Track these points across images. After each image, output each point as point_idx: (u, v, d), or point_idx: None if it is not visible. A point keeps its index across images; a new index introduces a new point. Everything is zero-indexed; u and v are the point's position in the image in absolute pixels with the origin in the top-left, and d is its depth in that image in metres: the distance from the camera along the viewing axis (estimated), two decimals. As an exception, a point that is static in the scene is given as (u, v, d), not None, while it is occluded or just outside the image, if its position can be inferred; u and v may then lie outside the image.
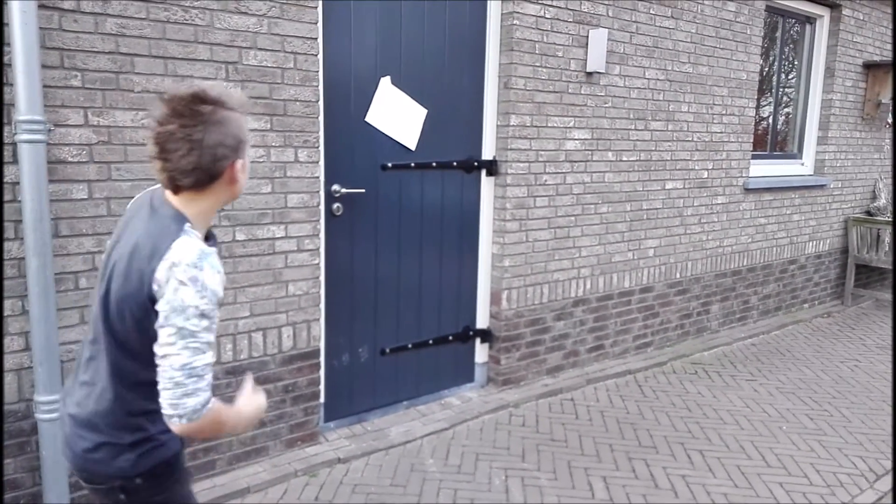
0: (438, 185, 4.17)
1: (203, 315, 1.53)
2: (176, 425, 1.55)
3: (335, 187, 3.73)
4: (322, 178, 3.64)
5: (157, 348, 1.53)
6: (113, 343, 1.63)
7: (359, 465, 3.62)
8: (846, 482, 3.65)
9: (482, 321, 4.53)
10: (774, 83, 6.56)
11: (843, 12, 6.57)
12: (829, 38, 6.67)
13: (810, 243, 6.91)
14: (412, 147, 4.00)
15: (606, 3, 4.60)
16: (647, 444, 3.98)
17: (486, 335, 4.53)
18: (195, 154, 1.54)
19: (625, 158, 4.96)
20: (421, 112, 3.98)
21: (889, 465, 3.84)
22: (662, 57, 5.07)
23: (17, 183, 2.65)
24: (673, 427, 4.22)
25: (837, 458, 3.90)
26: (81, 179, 2.84)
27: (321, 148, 3.60)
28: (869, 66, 7.01)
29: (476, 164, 4.30)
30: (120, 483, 1.68)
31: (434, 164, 4.12)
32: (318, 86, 3.45)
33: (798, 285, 6.88)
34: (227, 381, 3.32)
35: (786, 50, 6.65)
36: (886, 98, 6.97)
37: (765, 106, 6.52)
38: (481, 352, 4.57)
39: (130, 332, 1.59)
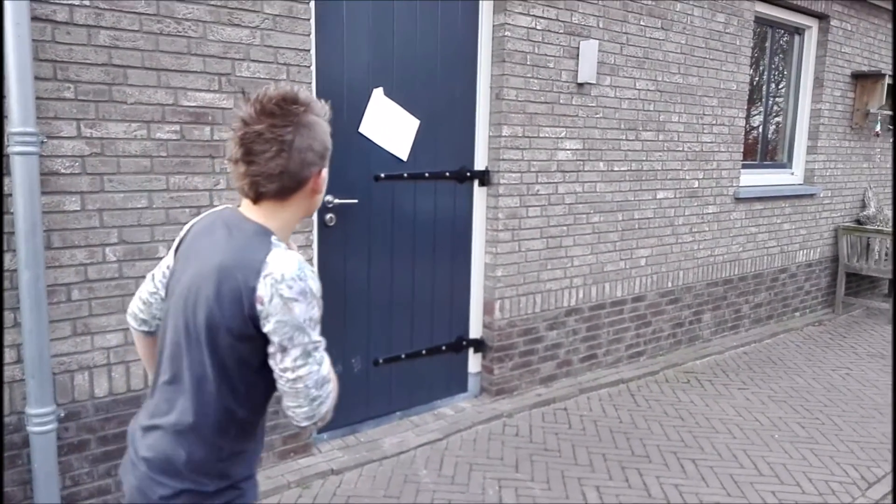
0: (431, 196, 4.18)
1: (317, 322, 1.49)
2: (307, 428, 1.54)
3: (328, 198, 3.73)
4: (315, 189, 3.64)
5: (283, 372, 1.46)
6: (206, 380, 1.49)
7: (352, 476, 3.61)
8: (838, 490, 3.66)
9: (475, 331, 4.53)
10: (764, 93, 6.62)
11: (832, 23, 6.63)
12: (817, 48, 6.73)
13: (801, 252, 6.95)
14: (404, 158, 4.01)
15: (597, 14, 4.64)
16: (640, 454, 3.98)
17: (479, 345, 4.53)
18: (284, 156, 1.45)
19: (616, 168, 4.99)
20: (413, 123, 4.00)
21: (880, 472, 3.86)
22: (653, 67, 5.11)
23: (10, 195, 2.65)
24: (666, 436, 4.22)
25: (829, 467, 3.92)
26: (74, 191, 2.84)
27: (314, 159, 3.60)
28: (857, 77, 7.07)
29: (468, 174, 4.32)
30: None
31: (427, 174, 4.13)
32: (310, 97, 3.46)
33: (789, 294, 6.92)
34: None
35: (775, 60, 6.71)
36: (875, 108, 7.04)
37: (755, 116, 6.57)
38: (474, 362, 4.57)
39: (227, 360, 1.48)
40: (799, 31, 6.68)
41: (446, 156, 4.23)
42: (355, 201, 3.84)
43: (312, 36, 3.50)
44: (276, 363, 1.46)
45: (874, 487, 3.70)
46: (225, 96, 3.16)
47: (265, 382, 1.52)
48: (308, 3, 3.39)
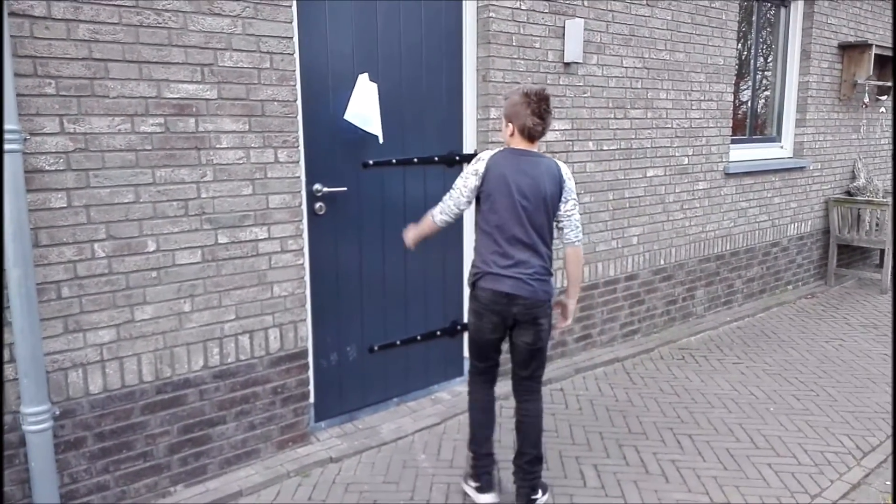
0: (420, 181, 4.17)
1: None
2: (579, 246, 3.12)
3: (317, 186, 3.71)
4: (303, 178, 3.63)
5: (569, 213, 3.05)
6: (546, 228, 3.01)
7: (351, 463, 3.62)
8: (834, 461, 3.69)
9: (469, 315, 4.52)
10: (752, 67, 6.61)
11: (817, -5, 6.62)
12: (803, 20, 6.71)
13: (792, 225, 6.97)
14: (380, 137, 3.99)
15: (582, -8, 4.61)
16: (636, 431, 4.01)
17: (473, 329, 4.52)
18: (550, 118, 3.00)
19: (605, 147, 4.98)
20: (371, 87, 3.77)
21: (875, 441, 3.89)
22: (639, 45, 5.08)
23: (-6, 194, 2.62)
24: (662, 413, 4.25)
25: (825, 437, 3.95)
26: (60, 188, 2.81)
27: (301, 147, 3.58)
28: (844, 48, 7.06)
29: (457, 158, 4.30)
30: (545, 304, 3.05)
31: (415, 159, 4.11)
32: (295, 85, 3.43)
33: (781, 267, 6.94)
34: (214, 385, 3.31)
35: (762, 34, 6.69)
36: (862, 79, 7.04)
37: (743, 90, 6.56)
38: (469, 345, 4.56)
39: (551, 214, 3.01)
40: (785, 3, 6.65)
41: (434, 140, 4.21)
42: (344, 189, 3.83)
43: (295, 23, 3.46)
44: (565, 210, 3.04)
45: (869, 456, 3.73)
46: (208, 87, 3.13)
47: None
48: (289, -10, 3.36)
